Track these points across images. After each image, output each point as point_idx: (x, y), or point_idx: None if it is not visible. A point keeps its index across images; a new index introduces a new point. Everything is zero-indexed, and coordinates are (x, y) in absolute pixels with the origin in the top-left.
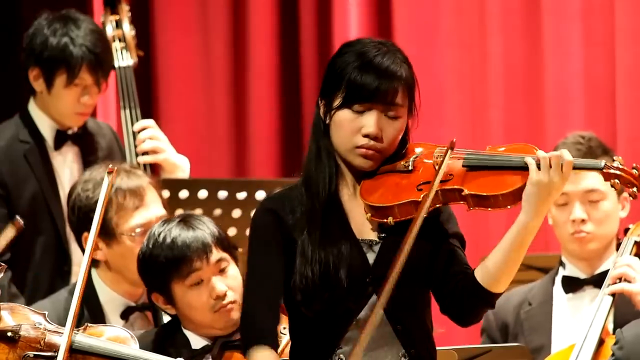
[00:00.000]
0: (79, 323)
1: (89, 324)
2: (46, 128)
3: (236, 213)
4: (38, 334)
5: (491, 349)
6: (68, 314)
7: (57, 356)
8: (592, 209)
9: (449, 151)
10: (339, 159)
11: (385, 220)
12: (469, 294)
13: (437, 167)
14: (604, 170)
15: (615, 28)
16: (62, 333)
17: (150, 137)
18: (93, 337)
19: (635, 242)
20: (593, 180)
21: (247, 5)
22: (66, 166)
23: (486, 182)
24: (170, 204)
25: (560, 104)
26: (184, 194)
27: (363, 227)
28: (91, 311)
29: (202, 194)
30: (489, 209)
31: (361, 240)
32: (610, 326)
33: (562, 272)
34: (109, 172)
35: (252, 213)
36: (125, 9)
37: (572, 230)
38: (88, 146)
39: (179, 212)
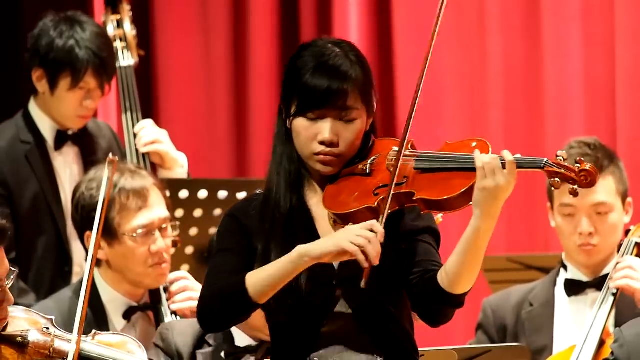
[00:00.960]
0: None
1: (97, 332)
2: (47, 128)
3: None
4: (47, 339)
5: (491, 349)
6: (72, 315)
7: None
8: (599, 222)
9: (402, 153)
10: (306, 164)
11: (347, 226)
12: (432, 296)
13: (391, 170)
14: (546, 169)
15: (615, 28)
16: (70, 339)
17: (150, 133)
18: (101, 346)
19: (636, 244)
20: (601, 194)
21: (247, 5)
22: (67, 166)
23: (436, 185)
24: (171, 204)
25: (560, 104)
26: (184, 194)
27: (330, 232)
28: (94, 311)
29: (202, 194)
30: (444, 212)
31: None
32: (611, 328)
33: (564, 275)
34: (110, 162)
35: None
36: (126, 8)
37: (580, 243)
38: (88, 146)
39: (179, 212)
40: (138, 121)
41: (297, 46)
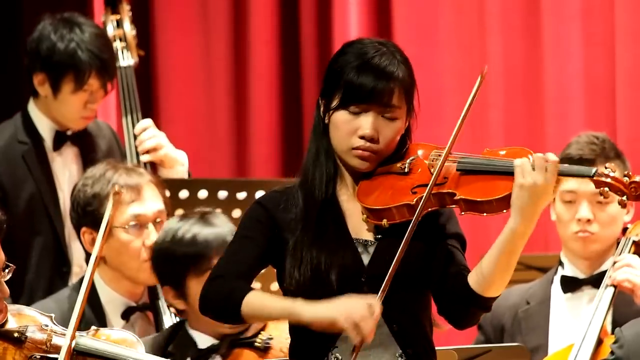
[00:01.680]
0: (81, 323)
1: (94, 327)
2: (45, 129)
3: (236, 213)
4: (44, 335)
5: (491, 349)
6: (71, 314)
7: None
8: (598, 210)
9: (446, 154)
10: (339, 160)
11: (379, 222)
12: (462, 298)
13: (432, 170)
14: (595, 178)
15: (615, 28)
16: (65, 336)
17: (150, 136)
18: (97, 340)
19: (634, 242)
20: None
21: (247, 5)
22: (65, 167)
23: (479, 187)
24: (170, 204)
25: (560, 104)
26: (184, 194)
27: (360, 228)
28: (93, 311)
29: (202, 194)
30: (483, 214)
31: (357, 240)
32: (609, 326)
33: (560, 272)
34: (115, 194)
35: None
36: (126, 8)
37: (577, 229)
38: (87, 147)
39: (179, 212)
40: (138, 121)
41: (297, 46)
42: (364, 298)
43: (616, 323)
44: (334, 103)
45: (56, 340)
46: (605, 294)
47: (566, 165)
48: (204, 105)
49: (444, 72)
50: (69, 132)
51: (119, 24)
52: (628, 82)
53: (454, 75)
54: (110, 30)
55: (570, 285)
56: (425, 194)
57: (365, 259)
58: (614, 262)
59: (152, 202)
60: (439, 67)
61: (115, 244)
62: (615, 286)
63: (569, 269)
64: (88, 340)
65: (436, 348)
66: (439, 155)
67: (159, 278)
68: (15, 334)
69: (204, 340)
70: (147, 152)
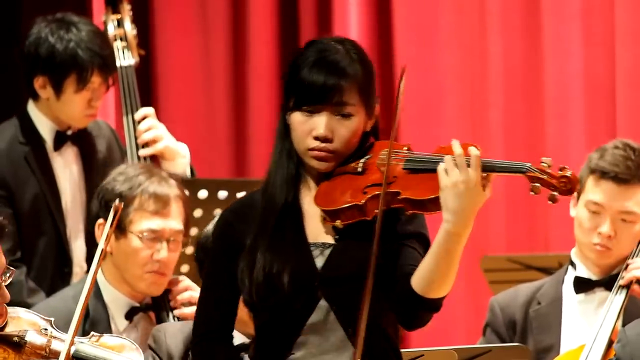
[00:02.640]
0: (85, 323)
1: (94, 333)
2: (45, 129)
3: None
4: (44, 340)
5: (491, 349)
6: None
7: None
8: (622, 228)
9: (389, 153)
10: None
11: (334, 224)
12: (407, 300)
13: (382, 170)
14: (527, 174)
15: (615, 28)
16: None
17: (149, 127)
18: (97, 347)
19: None
20: (632, 202)
21: (247, 5)
22: (66, 167)
23: (421, 185)
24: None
25: (560, 104)
26: None
27: (320, 231)
28: (97, 310)
29: (202, 194)
30: (428, 213)
31: (314, 244)
32: (620, 328)
33: (572, 273)
34: (115, 208)
35: None
36: (126, 8)
37: (596, 241)
38: (87, 146)
39: None
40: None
41: (297, 46)
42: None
43: (626, 325)
44: (290, 104)
45: (55, 346)
46: (617, 296)
47: (496, 160)
48: (203, 105)
49: (444, 72)
50: (69, 132)
51: (120, 23)
52: (628, 82)
53: (454, 75)
54: (111, 30)
55: (583, 286)
56: (381, 195)
57: (320, 263)
58: (627, 265)
59: (174, 220)
60: (439, 67)
61: (126, 247)
62: (628, 287)
63: (582, 270)
64: (87, 347)
65: (436, 348)
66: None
67: (199, 267)
68: (15, 338)
69: (236, 338)
70: (146, 144)
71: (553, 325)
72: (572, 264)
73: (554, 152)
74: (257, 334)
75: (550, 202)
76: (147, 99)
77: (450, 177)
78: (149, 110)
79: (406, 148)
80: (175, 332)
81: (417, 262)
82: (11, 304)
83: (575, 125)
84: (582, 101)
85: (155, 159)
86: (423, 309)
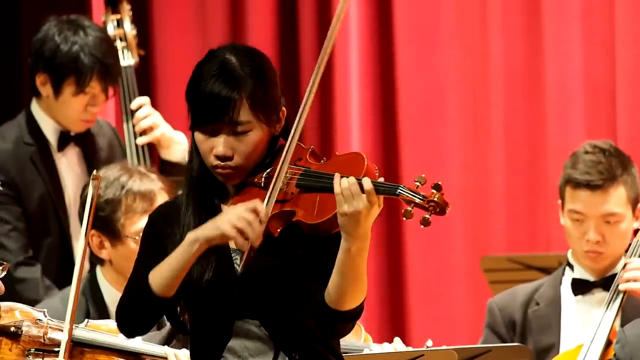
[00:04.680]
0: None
1: (90, 320)
2: (49, 130)
3: None
4: (40, 330)
5: (491, 349)
6: (79, 311)
7: (59, 350)
8: (608, 230)
9: (279, 171)
10: None
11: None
12: (322, 312)
13: (269, 189)
14: (400, 197)
15: (615, 28)
16: (62, 328)
17: (146, 115)
18: (94, 331)
19: None
20: (612, 205)
21: (245, 5)
22: (70, 167)
23: (313, 206)
24: None
25: (560, 104)
26: None
27: None
28: (97, 311)
29: None
30: (321, 234)
31: (234, 250)
32: (618, 328)
33: (569, 274)
34: (94, 178)
35: None
36: (126, 8)
37: (586, 249)
38: (90, 147)
39: None
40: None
41: (296, 46)
42: (249, 202)
43: (623, 325)
44: (191, 122)
45: (52, 335)
46: (615, 296)
47: (378, 182)
48: None
49: (445, 72)
50: (72, 133)
51: (120, 23)
52: (628, 82)
53: (455, 75)
54: (111, 30)
55: (581, 287)
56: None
57: (237, 266)
58: (624, 265)
59: None
60: (440, 67)
61: (124, 251)
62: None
63: (579, 272)
64: (83, 331)
65: (436, 348)
66: (290, 168)
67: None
68: (12, 329)
69: None
70: (143, 132)
71: (552, 326)
72: (570, 265)
73: (555, 151)
74: (191, 336)
75: (422, 226)
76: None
77: (349, 206)
78: (145, 99)
79: (309, 153)
80: (149, 337)
81: (332, 267)
82: (29, 302)
83: (576, 125)
84: (582, 101)
85: (153, 147)
86: (339, 321)
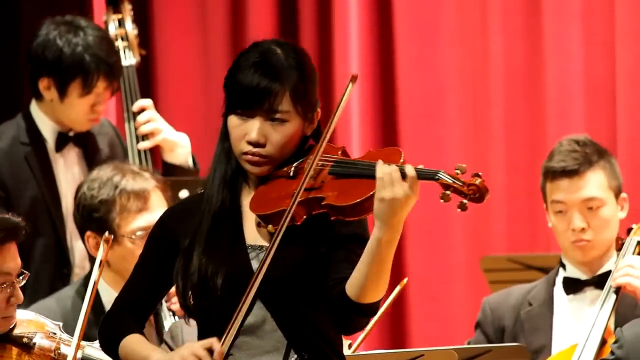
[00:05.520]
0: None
1: None
2: (48, 130)
3: None
4: (53, 343)
5: (491, 349)
6: (74, 314)
7: None
8: (591, 217)
9: (314, 158)
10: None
11: (266, 228)
12: (341, 305)
13: (305, 175)
14: (439, 181)
15: (615, 28)
16: (80, 346)
17: (148, 119)
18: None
19: (638, 242)
20: (590, 188)
21: (246, 4)
22: (68, 168)
23: (345, 191)
24: (171, 204)
25: (560, 103)
26: (184, 193)
27: (257, 234)
28: (94, 311)
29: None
30: (348, 219)
31: (251, 246)
32: (612, 327)
33: (562, 274)
34: (105, 240)
35: None
36: (127, 7)
37: (573, 239)
38: (90, 147)
39: None
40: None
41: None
42: (207, 341)
43: (618, 323)
44: (227, 106)
45: (64, 349)
46: (609, 295)
47: (418, 168)
48: (202, 104)
49: (446, 72)
50: (71, 134)
51: (121, 23)
52: (628, 82)
53: (455, 74)
54: (112, 30)
55: (573, 286)
56: (294, 199)
57: (256, 265)
58: (617, 264)
59: (158, 211)
60: (441, 67)
61: (121, 251)
62: (619, 287)
63: (571, 271)
64: (96, 351)
65: (436, 348)
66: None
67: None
68: (24, 340)
69: None
70: (145, 136)
71: (544, 326)
72: (562, 265)
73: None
74: (199, 333)
75: (459, 210)
76: (147, 98)
77: (387, 192)
78: (147, 102)
79: (340, 151)
80: (192, 330)
81: (354, 265)
82: None
83: (576, 125)
84: (582, 101)
85: (155, 151)
86: (357, 314)
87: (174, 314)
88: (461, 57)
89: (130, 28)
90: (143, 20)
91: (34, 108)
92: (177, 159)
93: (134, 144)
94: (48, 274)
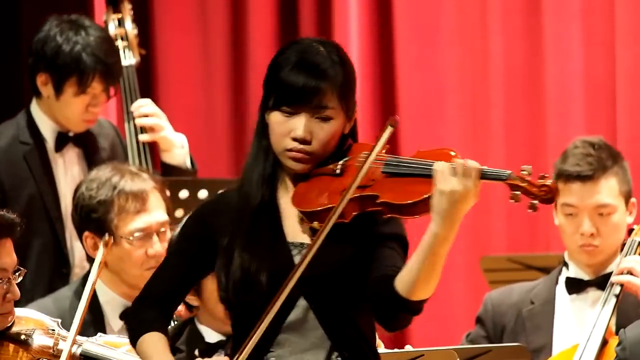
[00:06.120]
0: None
1: (101, 334)
2: (48, 129)
3: None
4: (51, 340)
5: (491, 349)
6: (72, 314)
7: None
8: (601, 222)
9: (372, 155)
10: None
11: (312, 225)
12: (389, 301)
13: (359, 172)
14: (507, 182)
15: (615, 28)
16: (75, 341)
17: (148, 113)
18: (102, 346)
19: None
20: (603, 195)
21: (246, 4)
22: (67, 168)
23: (401, 190)
24: (171, 205)
25: (560, 103)
26: (184, 194)
27: (297, 230)
28: (92, 311)
29: (202, 194)
30: (404, 217)
31: (292, 243)
32: (613, 327)
33: (565, 273)
34: (105, 243)
35: None
36: (127, 7)
37: (581, 243)
38: (90, 147)
39: (180, 212)
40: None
41: None
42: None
43: (620, 324)
44: (270, 103)
45: (62, 346)
46: (611, 295)
47: (485, 168)
48: (203, 104)
49: (445, 72)
50: (70, 134)
51: (121, 22)
52: (628, 82)
53: (455, 74)
54: (112, 29)
55: (575, 286)
56: (344, 196)
57: (297, 260)
58: (619, 264)
59: (156, 212)
60: (440, 67)
61: (119, 251)
62: (621, 287)
63: (574, 271)
64: (95, 346)
65: (436, 348)
66: (367, 156)
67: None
68: (22, 337)
69: (212, 336)
70: (144, 130)
71: (545, 326)
72: (565, 264)
73: (555, 151)
74: (235, 332)
75: (530, 211)
76: (147, 98)
77: (447, 185)
78: (146, 102)
79: (384, 151)
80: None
81: (397, 263)
82: None
83: (576, 125)
84: (582, 101)
85: (155, 151)
86: (404, 311)
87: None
88: (461, 57)
89: (130, 28)
90: (143, 20)
91: (34, 107)
92: (174, 160)
93: (134, 144)
94: (46, 273)
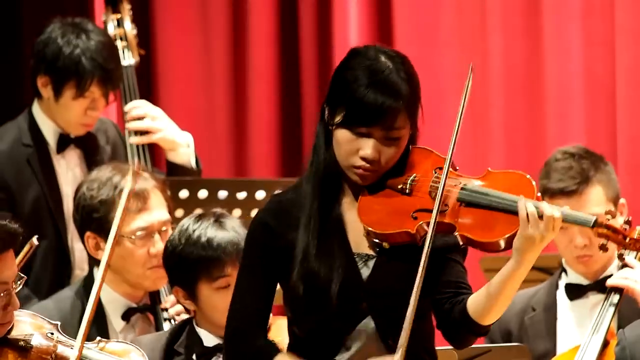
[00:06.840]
0: (78, 322)
1: (101, 339)
2: (49, 131)
3: (236, 213)
4: (50, 344)
5: (491, 349)
6: (73, 315)
7: None
8: (592, 233)
9: (444, 183)
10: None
11: (381, 244)
12: (460, 322)
13: (433, 195)
14: (595, 229)
15: (615, 28)
16: (73, 345)
17: (140, 115)
18: (104, 353)
19: None
20: (590, 206)
21: (247, 5)
22: (69, 170)
23: (480, 223)
24: (170, 204)
25: (560, 103)
26: (184, 193)
27: (361, 241)
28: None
29: (202, 194)
30: (482, 251)
31: (357, 254)
32: (615, 328)
33: (565, 279)
34: (134, 173)
35: (253, 213)
36: (126, 7)
37: (576, 254)
38: (92, 148)
39: (180, 212)
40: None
41: (297, 46)
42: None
43: (621, 325)
44: (338, 118)
45: (61, 350)
46: (612, 296)
47: (566, 211)
48: (203, 104)
49: (445, 72)
50: (72, 135)
51: (120, 23)
52: (628, 82)
53: (454, 75)
54: (111, 30)
55: (575, 291)
56: (429, 231)
57: (365, 274)
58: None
59: (158, 211)
60: (440, 67)
61: (121, 251)
62: (622, 289)
63: (573, 277)
64: (94, 353)
65: (436, 348)
66: (438, 177)
67: (170, 277)
68: (21, 342)
69: (210, 340)
70: (137, 132)
71: (548, 331)
72: (564, 270)
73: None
74: (294, 344)
75: (619, 261)
76: (147, 98)
77: (535, 231)
78: (139, 103)
79: (457, 168)
80: (149, 343)
81: (464, 279)
82: None
83: (576, 125)
84: (582, 101)
85: (157, 150)
86: (474, 333)
87: (168, 320)
88: (461, 57)
89: (129, 28)
90: (143, 20)
91: (36, 108)
92: (179, 158)
93: (134, 146)
94: (49, 275)
